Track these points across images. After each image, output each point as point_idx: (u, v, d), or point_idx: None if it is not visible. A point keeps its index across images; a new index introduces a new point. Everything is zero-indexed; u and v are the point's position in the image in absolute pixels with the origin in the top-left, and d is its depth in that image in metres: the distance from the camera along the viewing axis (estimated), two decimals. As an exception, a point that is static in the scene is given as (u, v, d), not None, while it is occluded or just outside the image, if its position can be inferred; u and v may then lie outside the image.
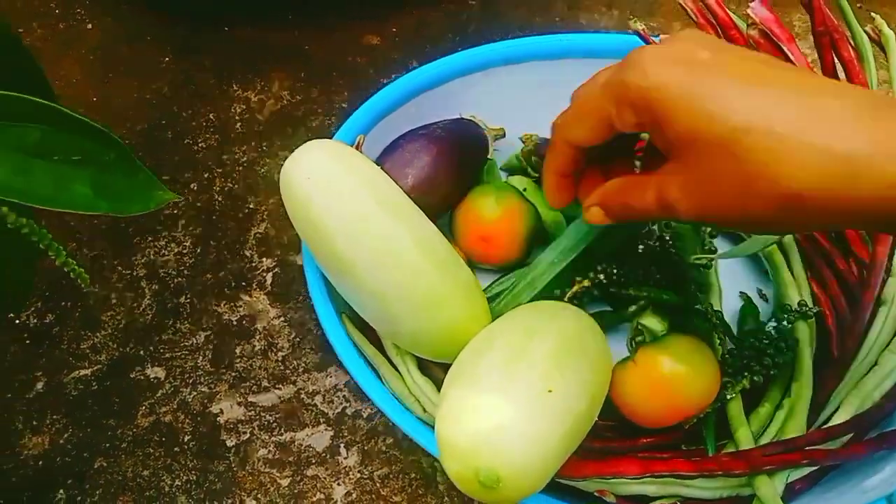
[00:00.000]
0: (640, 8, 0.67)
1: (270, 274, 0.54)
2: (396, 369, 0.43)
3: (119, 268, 0.54)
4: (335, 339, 0.42)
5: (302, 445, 0.48)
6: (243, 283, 0.53)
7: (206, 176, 0.58)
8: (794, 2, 0.56)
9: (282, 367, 0.50)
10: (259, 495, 0.46)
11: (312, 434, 0.48)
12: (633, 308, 0.46)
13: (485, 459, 0.32)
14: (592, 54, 0.52)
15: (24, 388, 0.50)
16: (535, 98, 0.53)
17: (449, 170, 0.46)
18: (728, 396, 0.41)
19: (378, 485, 0.46)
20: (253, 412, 0.49)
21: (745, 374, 0.41)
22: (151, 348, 0.51)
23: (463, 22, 0.66)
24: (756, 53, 0.30)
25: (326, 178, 0.38)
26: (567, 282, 0.44)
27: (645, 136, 0.37)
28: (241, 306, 0.52)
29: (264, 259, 0.54)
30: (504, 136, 0.52)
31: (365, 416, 0.48)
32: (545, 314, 0.39)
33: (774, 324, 0.43)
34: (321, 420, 0.48)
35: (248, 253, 0.54)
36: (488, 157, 0.51)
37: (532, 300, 0.44)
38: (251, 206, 0.56)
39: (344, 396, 0.49)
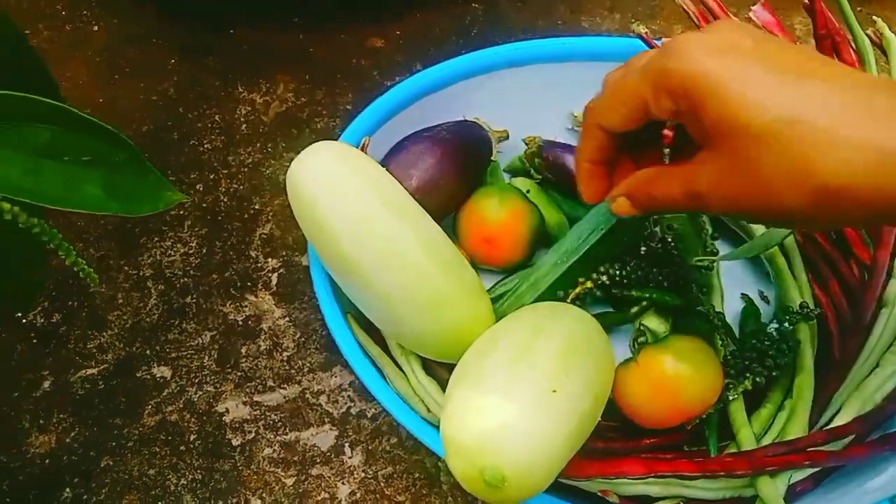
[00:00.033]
0: (641, 11, 0.67)
1: (276, 274, 0.54)
2: (401, 369, 0.43)
3: (125, 268, 0.54)
4: (341, 339, 0.42)
5: (307, 445, 0.48)
6: (249, 284, 0.54)
7: (211, 177, 0.58)
8: (796, 5, 0.57)
9: (287, 367, 0.51)
10: (264, 494, 0.47)
11: (317, 433, 0.48)
12: (635, 309, 0.46)
13: (490, 458, 0.32)
14: (594, 57, 0.52)
15: (31, 387, 0.50)
16: (538, 100, 0.53)
17: (453, 171, 0.46)
18: (730, 397, 0.41)
19: (382, 484, 0.47)
20: (258, 412, 0.49)
21: (747, 375, 0.41)
22: (157, 348, 0.51)
23: (466, 25, 0.66)
24: (800, 45, 0.29)
25: (332, 180, 0.38)
26: (570, 283, 0.45)
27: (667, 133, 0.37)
28: (246, 306, 0.53)
29: (269, 259, 0.55)
30: (507, 138, 0.52)
31: (369, 415, 0.49)
32: (549, 314, 0.40)
33: (776, 325, 0.44)
34: (326, 420, 0.49)
35: (253, 253, 0.55)
36: (492, 158, 0.51)
37: (535, 301, 0.44)
38: (256, 206, 0.57)
39: (349, 396, 0.50)
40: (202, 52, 0.65)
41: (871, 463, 0.39)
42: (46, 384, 0.50)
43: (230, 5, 0.66)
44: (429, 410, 0.42)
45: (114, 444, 0.48)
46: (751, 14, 0.46)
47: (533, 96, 0.53)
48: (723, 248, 0.49)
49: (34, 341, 0.52)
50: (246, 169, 0.58)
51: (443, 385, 0.42)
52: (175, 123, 0.61)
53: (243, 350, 0.51)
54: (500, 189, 0.49)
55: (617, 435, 0.43)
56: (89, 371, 0.51)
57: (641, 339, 0.43)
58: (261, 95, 0.62)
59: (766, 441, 0.40)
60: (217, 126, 0.61)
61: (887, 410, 0.40)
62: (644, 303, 0.46)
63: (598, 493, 0.40)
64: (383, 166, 0.43)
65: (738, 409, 0.41)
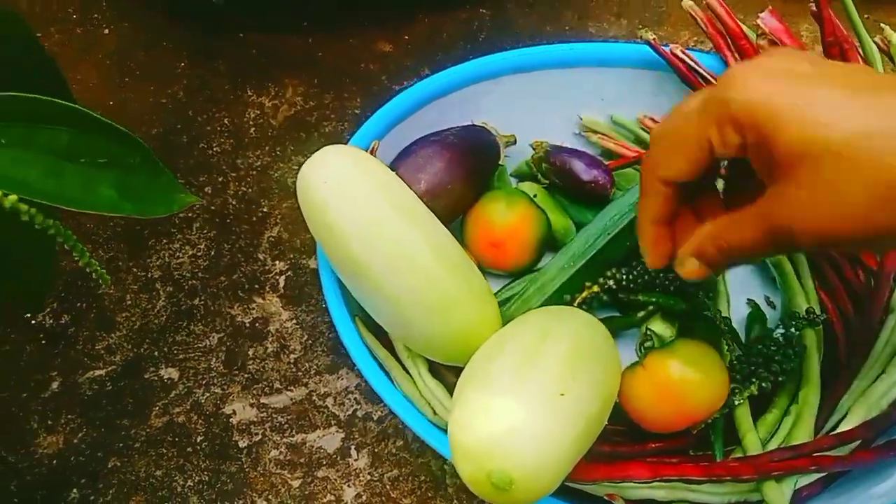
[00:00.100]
0: (648, 17, 0.67)
1: (283, 277, 0.54)
2: (408, 372, 0.43)
3: (134, 270, 0.55)
4: (349, 342, 0.43)
5: (313, 447, 0.48)
6: (256, 286, 0.54)
7: (220, 180, 0.58)
8: (803, 12, 0.57)
9: (294, 369, 0.51)
10: (270, 496, 0.47)
11: (323, 436, 0.49)
12: (641, 313, 0.46)
13: (497, 461, 0.32)
14: (602, 63, 0.52)
15: (39, 388, 0.50)
16: (545, 106, 0.53)
17: (461, 175, 0.46)
18: (736, 402, 0.41)
19: (388, 487, 0.47)
20: (265, 413, 0.49)
21: (753, 380, 0.41)
22: (165, 349, 0.52)
23: (474, 30, 0.66)
24: (853, 64, 0.29)
25: (342, 183, 0.38)
26: (577, 287, 0.45)
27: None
28: (254, 309, 0.53)
29: (277, 262, 0.55)
30: (515, 142, 0.53)
31: (375, 418, 0.49)
32: (556, 318, 0.40)
33: (782, 330, 0.44)
34: (332, 422, 0.49)
35: (261, 256, 0.55)
36: (499, 163, 0.51)
37: (542, 305, 0.45)
38: (264, 209, 0.57)
39: (355, 399, 0.50)
40: (211, 55, 0.65)
41: (876, 468, 0.39)
42: (55, 385, 0.51)
43: (240, 10, 0.66)
44: (435, 413, 0.42)
45: (121, 445, 0.48)
46: (758, 21, 0.46)
47: (540, 101, 0.53)
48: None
49: (43, 342, 0.52)
50: (254, 172, 0.59)
51: (449, 389, 0.42)
52: (184, 126, 0.61)
53: (250, 352, 0.52)
54: (508, 193, 0.49)
55: (623, 439, 0.43)
56: (97, 372, 0.51)
57: (648, 343, 0.44)
58: (269, 99, 0.63)
59: (772, 446, 0.40)
60: (226, 129, 0.61)
61: (893, 416, 0.40)
62: (650, 307, 0.46)
63: (605, 497, 0.40)
64: (392, 170, 0.43)
65: (744, 414, 0.41)
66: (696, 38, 0.65)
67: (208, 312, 0.53)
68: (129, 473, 0.48)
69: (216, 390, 0.50)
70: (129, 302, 0.53)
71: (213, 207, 0.57)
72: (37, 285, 0.42)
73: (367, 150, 0.45)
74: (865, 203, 0.26)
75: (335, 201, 0.38)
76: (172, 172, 0.31)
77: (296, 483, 0.47)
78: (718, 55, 0.49)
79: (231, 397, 0.50)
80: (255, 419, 0.49)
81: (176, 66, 0.65)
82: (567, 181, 0.50)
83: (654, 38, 0.50)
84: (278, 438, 0.48)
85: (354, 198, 0.39)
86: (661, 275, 0.45)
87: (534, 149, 0.52)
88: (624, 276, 0.45)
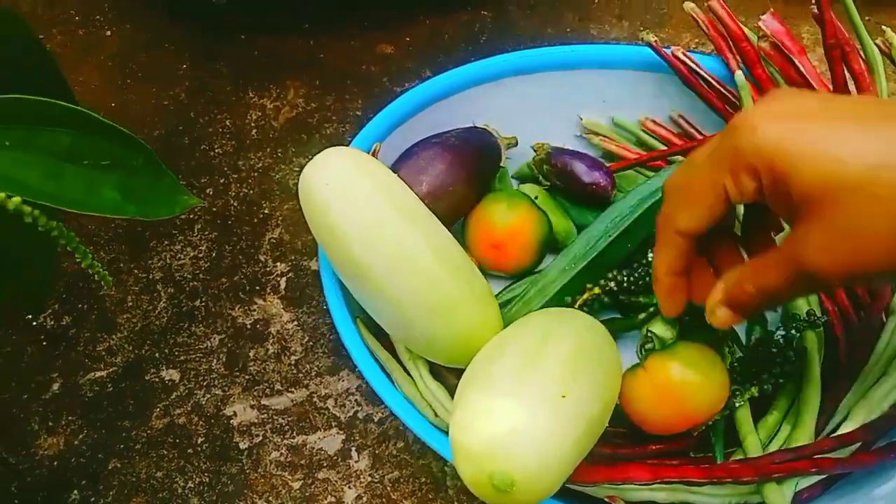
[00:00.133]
0: (650, 19, 0.67)
1: (284, 278, 0.54)
2: (409, 374, 0.43)
3: (135, 271, 0.55)
4: (350, 343, 0.43)
5: (314, 448, 0.48)
6: (257, 288, 0.54)
7: (221, 181, 0.59)
8: (804, 14, 0.57)
9: (294, 371, 0.51)
10: (270, 498, 0.47)
11: (324, 437, 0.49)
12: (642, 315, 0.46)
13: (499, 463, 0.32)
14: (603, 65, 0.52)
15: (40, 389, 0.50)
16: (546, 107, 0.54)
17: (463, 177, 0.46)
18: (737, 404, 0.41)
19: (388, 488, 0.47)
20: (266, 415, 0.49)
21: (754, 382, 0.41)
22: (166, 351, 0.52)
23: (475, 32, 0.66)
24: (861, 96, 0.29)
25: (344, 185, 0.39)
26: (578, 289, 0.45)
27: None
28: (255, 310, 0.53)
29: (278, 264, 0.55)
30: (516, 144, 0.53)
31: (376, 419, 0.49)
32: (557, 320, 0.40)
33: (783, 333, 0.44)
34: (333, 423, 0.49)
35: (262, 257, 0.55)
36: (501, 165, 0.51)
37: (543, 307, 0.45)
38: (266, 211, 0.57)
39: (356, 400, 0.50)
40: (213, 57, 0.65)
41: (877, 470, 0.39)
42: (55, 386, 0.51)
43: (242, 12, 0.66)
44: (436, 415, 0.42)
45: (122, 446, 0.48)
46: (760, 23, 0.46)
47: (542, 103, 0.53)
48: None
49: (44, 343, 0.52)
50: (256, 173, 0.59)
51: (451, 390, 0.42)
52: (186, 128, 0.61)
53: (251, 354, 0.52)
54: (509, 195, 0.49)
55: (624, 441, 0.43)
56: (98, 373, 0.51)
57: (648, 345, 0.44)
58: (271, 101, 0.63)
59: (773, 448, 0.40)
60: (227, 131, 0.61)
61: (894, 418, 0.40)
62: (651, 309, 0.46)
63: (606, 499, 0.40)
64: (393, 172, 0.43)
65: (744, 416, 0.41)
66: (697, 40, 0.65)
67: (209, 314, 0.53)
68: (129, 475, 0.48)
69: (217, 392, 0.50)
70: (131, 303, 0.54)
71: (214, 209, 0.57)
72: (37, 286, 0.42)
73: (368, 152, 0.45)
74: (893, 235, 0.25)
75: (337, 203, 0.38)
76: (174, 174, 0.31)
77: (296, 484, 0.47)
78: (720, 57, 0.49)
79: (232, 399, 0.50)
80: (256, 420, 0.49)
81: (178, 68, 0.65)
82: (568, 183, 0.50)
83: (655, 40, 0.50)
84: (279, 440, 0.48)
85: (356, 199, 0.39)
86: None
87: (535, 151, 0.52)
88: (625, 278, 0.45)
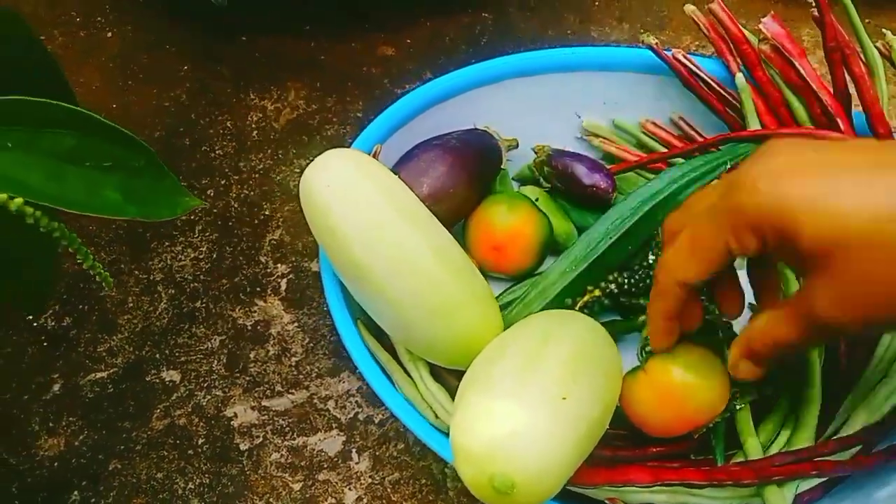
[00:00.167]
0: (650, 22, 0.67)
1: (285, 280, 0.54)
2: (409, 376, 0.43)
3: (136, 272, 0.55)
4: (350, 345, 0.43)
5: (314, 450, 0.48)
6: (258, 289, 0.54)
7: (222, 183, 0.59)
8: (805, 17, 0.57)
9: (295, 372, 0.51)
10: (271, 499, 0.47)
11: (325, 439, 0.49)
12: (643, 317, 0.46)
13: (499, 465, 0.32)
14: (603, 67, 0.52)
15: (40, 390, 0.50)
16: (547, 109, 0.54)
17: (463, 179, 0.46)
18: (737, 407, 0.41)
19: (389, 490, 0.47)
20: (266, 416, 0.49)
21: (755, 384, 0.41)
22: (167, 352, 0.52)
23: (476, 34, 0.66)
24: (857, 141, 0.28)
25: (345, 186, 0.39)
26: (578, 291, 0.45)
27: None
28: (255, 311, 0.53)
29: (279, 265, 0.55)
30: (517, 146, 0.53)
31: (377, 421, 0.49)
32: (558, 322, 0.40)
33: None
34: (333, 425, 0.49)
35: (263, 259, 0.55)
36: (501, 167, 0.51)
37: (543, 309, 0.45)
38: (266, 212, 0.57)
39: (356, 402, 0.50)
40: (214, 58, 0.65)
41: (878, 473, 0.39)
42: (56, 387, 0.51)
43: (243, 13, 0.66)
44: (437, 417, 0.42)
45: (122, 447, 0.48)
46: (760, 25, 0.46)
47: (542, 105, 0.53)
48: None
49: (45, 344, 0.52)
50: (257, 175, 0.59)
51: (451, 392, 0.42)
52: (187, 129, 0.61)
53: (252, 355, 0.52)
54: (510, 197, 0.49)
55: (624, 443, 0.43)
56: (99, 374, 0.51)
57: (649, 347, 0.43)
58: (272, 102, 0.63)
59: (773, 451, 0.40)
60: (228, 132, 0.61)
61: (895, 421, 0.40)
62: (652, 312, 0.46)
63: (606, 501, 0.40)
64: (394, 174, 0.43)
65: (745, 419, 0.41)
66: (697, 43, 0.65)
67: (210, 315, 0.53)
68: (129, 476, 0.48)
69: (217, 393, 0.50)
70: (131, 304, 0.54)
71: (215, 210, 0.57)
72: (38, 286, 0.42)
73: (369, 154, 0.45)
74: None
75: (338, 205, 0.38)
76: (175, 175, 0.31)
77: (297, 486, 0.47)
78: (720, 60, 0.50)
79: (232, 400, 0.50)
80: (257, 422, 0.49)
81: (179, 69, 0.65)
82: (568, 185, 0.50)
83: (655, 43, 0.50)
84: (279, 441, 0.48)
85: (357, 201, 0.39)
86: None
87: (535, 153, 0.52)
88: (626, 280, 0.45)
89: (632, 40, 0.66)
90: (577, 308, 0.44)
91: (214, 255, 0.55)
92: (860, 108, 0.45)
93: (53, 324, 0.53)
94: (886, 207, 0.25)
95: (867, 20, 0.65)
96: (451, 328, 0.40)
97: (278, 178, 0.59)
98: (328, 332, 0.52)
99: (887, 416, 0.40)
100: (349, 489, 0.47)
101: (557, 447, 0.33)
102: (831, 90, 0.45)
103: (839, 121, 0.44)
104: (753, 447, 0.40)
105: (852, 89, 0.45)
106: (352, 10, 0.67)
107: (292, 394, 0.50)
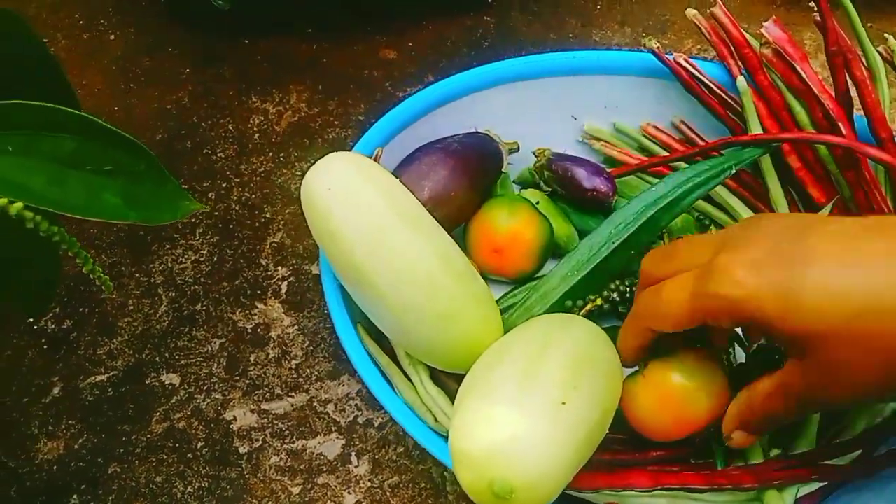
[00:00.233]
0: (652, 25, 0.67)
1: (285, 283, 0.54)
2: (409, 379, 0.43)
3: (136, 275, 0.55)
4: (350, 348, 0.43)
5: (313, 453, 0.48)
6: (258, 292, 0.54)
7: (223, 185, 0.59)
8: (806, 21, 0.57)
9: (295, 376, 0.51)
10: (270, 503, 0.47)
11: (324, 442, 0.48)
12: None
13: (498, 470, 0.32)
14: (605, 71, 0.52)
15: (40, 393, 0.50)
16: (548, 113, 0.54)
17: (465, 183, 0.46)
18: (738, 411, 0.41)
19: (388, 494, 0.47)
20: (266, 420, 0.49)
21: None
22: (167, 355, 0.52)
23: (478, 38, 0.67)
24: (837, 223, 0.29)
25: (346, 190, 0.39)
26: (579, 295, 0.45)
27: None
28: (255, 314, 0.53)
29: (279, 268, 0.55)
30: (518, 149, 0.53)
31: (376, 424, 0.49)
32: (558, 326, 0.40)
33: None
34: (333, 428, 0.49)
35: (263, 262, 0.55)
36: (502, 170, 0.51)
37: (544, 313, 0.45)
38: (267, 215, 0.57)
39: (356, 405, 0.50)
40: (216, 61, 0.65)
41: (878, 478, 0.39)
42: (56, 390, 0.51)
43: (245, 16, 0.66)
44: (436, 420, 0.42)
45: (121, 450, 0.48)
46: (762, 30, 0.46)
47: (544, 109, 0.53)
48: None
49: (45, 347, 0.52)
50: (258, 178, 0.59)
51: (451, 396, 0.42)
52: (189, 132, 0.61)
53: (252, 358, 0.52)
54: (510, 200, 0.49)
55: (624, 447, 0.43)
56: (98, 378, 0.51)
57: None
58: (274, 105, 0.63)
59: (774, 455, 0.40)
60: (230, 135, 0.61)
61: (895, 426, 0.40)
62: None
63: (606, 506, 0.40)
64: (395, 177, 0.43)
65: (746, 424, 0.41)
66: (699, 47, 0.65)
67: (210, 318, 0.53)
68: (129, 479, 0.47)
69: (217, 396, 0.50)
70: (132, 307, 0.54)
71: (216, 213, 0.57)
72: (41, 286, 0.42)
73: (370, 157, 0.45)
74: (885, 376, 0.27)
75: (339, 208, 0.38)
76: (176, 178, 0.31)
77: (296, 490, 0.47)
78: (722, 63, 0.49)
79: (232, 403, 0.50)
80: (256, 425, 0.49)
81: (181, 72, 0.65)
82: (569, 189, 0.50)
83: (657, 47, 0.50)
84: (279, 445, 0.48)
85: (358, 205, 0.39)
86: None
87: (536, 156, 0.52)
88: (627, 289, 0.45)
89: (633, 44, 0.66)
90: (580, 314, 0.44)
91: (215, 258, 0.55)
92: (862, 112, 0.45)
93: (53, 326, 0.53)
94: (857, 307, 0.26)
95: (869, 24, 0.65)
96: (451, 332, 0.39)
97: (279, 180, 0.59)
98: (328, 335, 0.52)
99: (887, 420, 0.40)
100: (348, 493, 0.47)
101: (557, 452, 0.33)
102: (833, 94, 0.45)
103: (841, 125, 0.44)
104: (754, 451, 0.40)
105: (854, 93, 0.45)
106: (354, 13, 0.67)
107: (292, 397, 0.50)
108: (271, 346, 0.52)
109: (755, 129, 0.47)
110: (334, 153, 0.40)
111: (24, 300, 0.42)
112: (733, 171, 0.45)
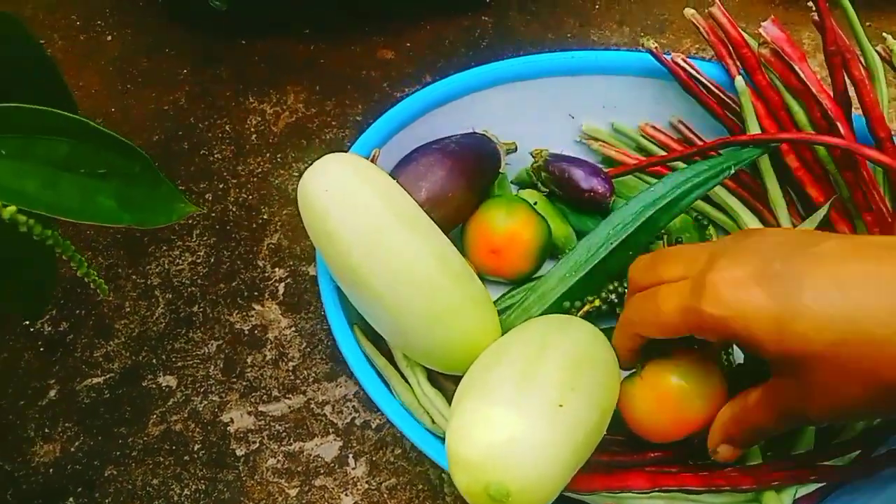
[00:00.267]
0: (650, 25, 0.67)
1: (282, 284, 0.54)
2: (406, 381, 0.43)
3: (133, 277, 0.55)
4: (347, 350, 0.43)
5: (311, 455, 0.48)
6: (256, 293, 0.54)
7: (220, 186, 0.58)
8: (805, 20, 0.57)
9: (292, 377, 0.51)
10: (268, 505, 0.47)
11: (321, 444, 0.48)
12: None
13: (495, 473, 0.32)
14: (603, 71, 0.52)
15: (36, 396, 0.50)
16: (546, 113, 0.54)
17: (462, 183, 0.46)
18: (736, 412, 0.41)
19: (385, 496, 0.47)
20: (263, 422, 0.49)
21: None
22: (164, 357, 0.52)
23: (476, 38, 0.66)
24: (828, 241, 0.29)
25: (343, 191, 0.38)
26: (577, 296, 0.45)
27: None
28: (252, 316, 0.53)
29: (277, 269, 0.55)
30: (516, 150, 0.53)
31: (374, 426, 0.49)
32: (556, 327, 0.40)
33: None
34: (330, 430, 0.49)
35: (260, 263, 0.55)
36: (500, 171, 0.51)
37: (542, 314, 0.45)
38: (265, 216, 0.57)
39: (353, 407, 0.50)
40: (213, 62, 0.65)
41: (876, 479, 0.39)
42: (52, 393, 0.50)
43: (243, 16, 0.66)
44: (433, 422, 0.42)
45: (118, 453, 0.48)
46: (760, 29, 0.46)
47: (542, 109, 0.53)
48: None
49: (41, 350, 0.52)
50: (255, 179, 0.59)
51: (448, 397, 0.42)
52: (186, 133, 0.61)
53: (249, 360, 0.51)
54: (508, 200, 0.49)
55: (622, 449, 0.43)
56: (95, 380, 0.51)
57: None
58: (271, 106, 0.63)
59: (772, 456, 0.40)
60: (227, 136, 0.61)
61: (894, 427, 0.40)
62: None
63: (604, 508, 0.39)
64: (392, 178, 0.43)
65: (744, 425, 0.41)
66: (697, 47, 0.65)
67: (207, 320, 0.53)
68: (125, 482, 0.47)
69: (214, 398, 0.50)
70: (128, 309, 0.53)
71: (213, 214, 0.57)
72: (39, 287, 0.42)
73: (367, 158, 0.45)
74: (865, 398, 0.28)
75: (336, 209, 0.38)
76: (173, 179, 0.31)
77: (293, 492, 0.47)
78: (720, 63, 0.49)
79: (229, 405, 0.50)
80: (253, 427, 0.49)
81: (178, 73, 0.65)
82: (566, 190, 0.50)
83: (655, 47, 0.50)
84: (276, 447, 0.48)
85: (355, 206, 0.38)
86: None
87: (534, 157, 0.52)
88: (625, 290, 0.44)
89: (632, 44, 0.66)
90: (578, 315, 0.44)
91: (212, 260, 0.55)
92: (860, 112, 0.45)
93: (50, 329, 0.53)
94: (839, 335, 0.27)
95: (867, 24, 0.65)
96: (448, 333, 0.39)
97: (277, 181, 0.59)
98: (325, 336, 0.52)
99: (886, 421, 0.40)
100: (346, 495, 0.47)
101: (554, 455, 0.33)
102: (831, 94, 0.45)
103: (839, 125, 0.44)
104: (752, 452, 0.40)
105: (852, 93, 0.45)
106: (351, 13, 0.67)
107: (289, 399, 0.50)
108: (268, 347, 0.52)
109: (753, 128, 0.47)
110: (331, 154, 0.40)
111: (21, 302, 0.42)
112: (732, 171, 0.45)
